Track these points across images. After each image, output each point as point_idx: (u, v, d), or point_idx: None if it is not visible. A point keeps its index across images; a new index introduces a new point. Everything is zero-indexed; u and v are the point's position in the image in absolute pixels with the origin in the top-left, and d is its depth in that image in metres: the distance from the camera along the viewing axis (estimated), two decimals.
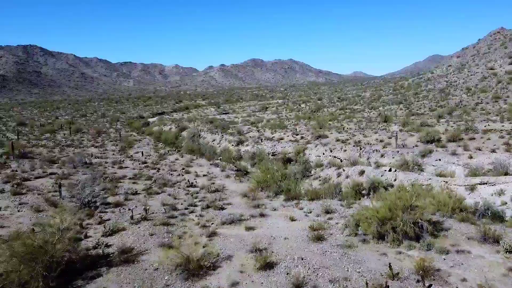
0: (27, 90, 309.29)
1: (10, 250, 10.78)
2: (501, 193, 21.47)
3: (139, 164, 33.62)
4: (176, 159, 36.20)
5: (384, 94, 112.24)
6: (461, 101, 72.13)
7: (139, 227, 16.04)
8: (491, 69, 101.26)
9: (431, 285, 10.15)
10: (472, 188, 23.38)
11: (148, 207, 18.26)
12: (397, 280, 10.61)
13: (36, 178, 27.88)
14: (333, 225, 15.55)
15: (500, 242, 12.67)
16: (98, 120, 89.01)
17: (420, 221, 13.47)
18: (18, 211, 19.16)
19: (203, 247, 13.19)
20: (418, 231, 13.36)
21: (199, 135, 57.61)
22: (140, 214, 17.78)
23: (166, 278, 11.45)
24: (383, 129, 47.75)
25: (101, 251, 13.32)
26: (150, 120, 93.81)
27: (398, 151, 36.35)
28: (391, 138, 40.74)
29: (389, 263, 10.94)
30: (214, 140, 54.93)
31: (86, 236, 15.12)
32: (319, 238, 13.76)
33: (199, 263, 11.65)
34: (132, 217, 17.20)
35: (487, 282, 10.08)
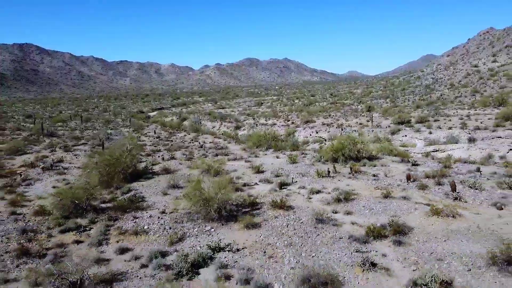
0: (24, 88, 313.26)
1: (102, 158, 17.55)
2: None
3: (154, 138, 40.22)
4: (185, 135, 42.98)
5: (375, 90, 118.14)
6: (441, 95, 78.38)
7: (170, 162, 22.89)
8: (475, 66, 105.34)
9: (356, 173, 17.04)
10: (426, 155, 30.42)
11: (173, 154, 24.99)
12: (338, 173, 17.53)
13: (72, 146, 34.43)
14: (305, 159, 22.49)
15: (410, 160, 19.65)
16: (101, 113, 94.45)
17: (361, 150, 20.37)
18: (76, 157, 25.83)
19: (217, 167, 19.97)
20: (359, 156, 20.27)
21: (200, 123, 64.16)
22: (167, 158, 24.49)
23: (196, 176, 18.24)
24: (363, 115, 54.77)
25: (149, 170, 20.09)
26: (151, 114, 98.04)
27: (372, 130, 43.44)
28: (369, 121, 47.72)
29: (334, 165, 17.88)
30: (214, 127, 61.60)
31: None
32: (294, 162, 20.86)
33: (216, 170, 18.51)
34: (163, 158, 23.98)
35: (390, 173, 16.98)
